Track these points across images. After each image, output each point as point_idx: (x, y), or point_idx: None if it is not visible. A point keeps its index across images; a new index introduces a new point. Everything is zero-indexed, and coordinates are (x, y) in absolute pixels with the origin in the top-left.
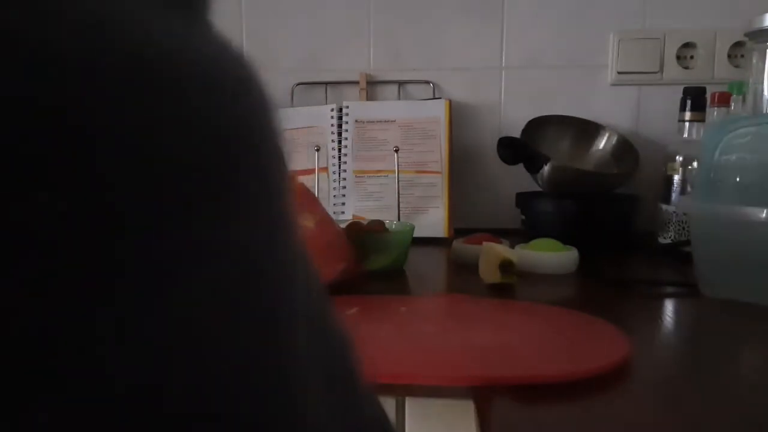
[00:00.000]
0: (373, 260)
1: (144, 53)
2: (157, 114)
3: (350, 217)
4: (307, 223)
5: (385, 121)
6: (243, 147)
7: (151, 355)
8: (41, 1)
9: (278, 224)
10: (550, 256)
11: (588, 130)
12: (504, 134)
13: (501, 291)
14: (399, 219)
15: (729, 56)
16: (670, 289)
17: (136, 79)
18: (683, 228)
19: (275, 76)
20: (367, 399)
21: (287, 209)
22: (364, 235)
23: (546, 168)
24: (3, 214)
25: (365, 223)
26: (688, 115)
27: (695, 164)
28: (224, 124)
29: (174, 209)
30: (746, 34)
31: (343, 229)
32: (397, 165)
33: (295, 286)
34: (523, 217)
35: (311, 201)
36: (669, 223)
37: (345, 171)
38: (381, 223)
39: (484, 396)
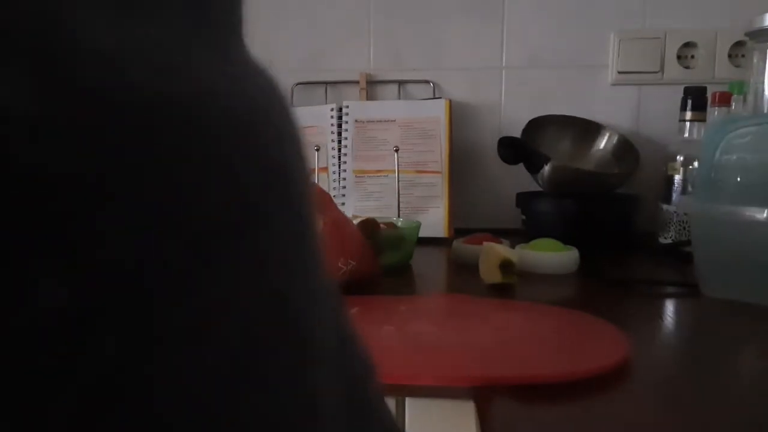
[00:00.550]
0: (387, 256)
1: (165, 87)
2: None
3: (350, 217)
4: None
5: (385, 121)
6: (269, 188)
7: (191, 405)
8: (55, 32)
9: (308, 265)
10: (551, 256)
11: (588, 129)
12: (504, 134)
13: (501, 291)
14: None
15: (730, 56)
16: (670, 289)
17: (154, 115)
18: (684, 228)
19: (275, 76)
20: (380, 409)
21: (317, 248)
22: (379, 232)
23: (546, 168)
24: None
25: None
26: (688, 114)
27: (696, 164)
28: (245, 162)
29: (197, 259)
30: (747, 34)
31: (357, 226)
32: (397, 165)
33: (322, 319)
34: (524, 217)
35: (323, 202)
36: (669, 223)
37: (345, 171)
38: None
39: (484, 396)
